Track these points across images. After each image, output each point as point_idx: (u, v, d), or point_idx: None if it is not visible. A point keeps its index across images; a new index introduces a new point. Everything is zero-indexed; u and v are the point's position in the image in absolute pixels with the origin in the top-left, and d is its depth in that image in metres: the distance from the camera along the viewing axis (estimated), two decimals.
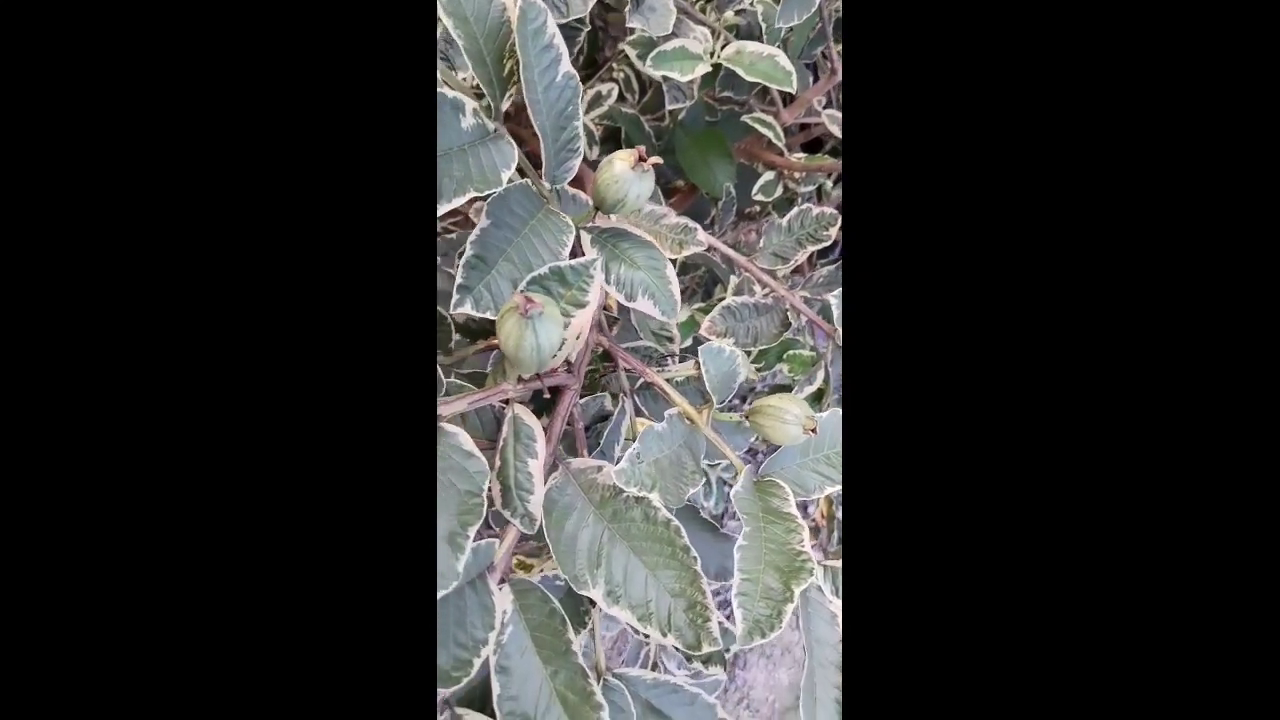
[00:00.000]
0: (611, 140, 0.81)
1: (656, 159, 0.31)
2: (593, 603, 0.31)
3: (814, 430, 0.32)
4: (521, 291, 0.24)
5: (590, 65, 0.83)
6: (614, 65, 0.79)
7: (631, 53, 0.62)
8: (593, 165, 0.75)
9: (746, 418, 0.35)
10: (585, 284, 0.29)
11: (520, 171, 0.31)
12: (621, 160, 0.32)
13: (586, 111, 0.72)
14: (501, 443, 0.30)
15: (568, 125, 0.32)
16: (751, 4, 0.62)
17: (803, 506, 0.33)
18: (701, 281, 0.86)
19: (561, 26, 0.50)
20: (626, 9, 0.51)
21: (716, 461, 0.41)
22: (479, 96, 0.28)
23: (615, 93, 0.72)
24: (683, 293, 0.87)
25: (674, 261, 0.79)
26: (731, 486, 0.33)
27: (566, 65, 0.30)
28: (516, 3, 0.27)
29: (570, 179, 0.33)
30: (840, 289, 0.50)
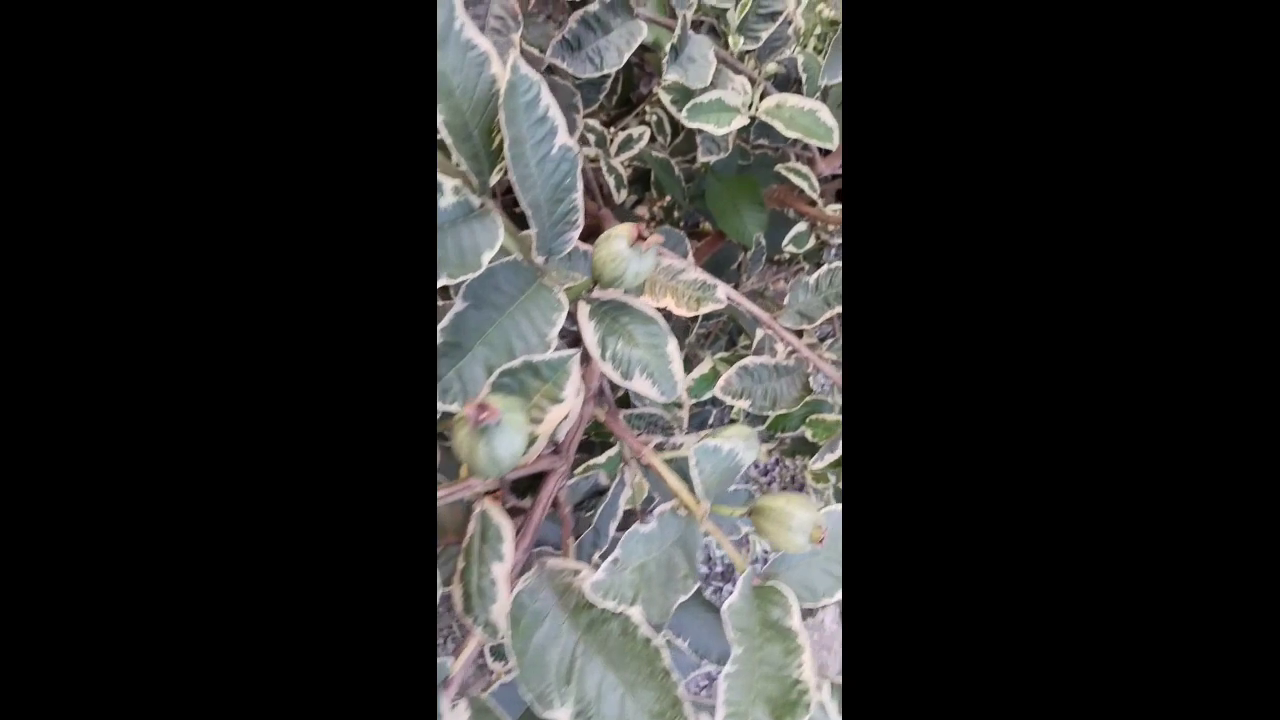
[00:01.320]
0: (640, 181, 0.79)
1: (658, 237, 0.29)
2: None
3: (821, 540, 0.29)
4: (475, 400, 0.22)
5: (624, 103, 0.81)
6: (645, 108, 0.77)
7: (665, 98, 0.60)
8: (618, 209, 0.73)
9: (748, 514, 0.32)
10: (561, 379, 0.27)
11: (518, 242, 0.29)
12: (619, 236, 0.29)
13: (616, 154, 0.70)
14: (466, 542, 0.28)
15: (565, 198, 0.30)
16: (793, 53, 0.59)
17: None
18: (725, 328, 0.83)
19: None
20: (665, 60, 0.49)
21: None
22: (460, 174, 0.27)
23: (646, 135, 0.70)
24: (705, 338, 0.85)
25: (695, 318, 0.76)
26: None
27: (564, 138, 0.28)
28: (505, 74, 0.25)
29: (568, 250, 0.31)
30: None
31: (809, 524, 0.29)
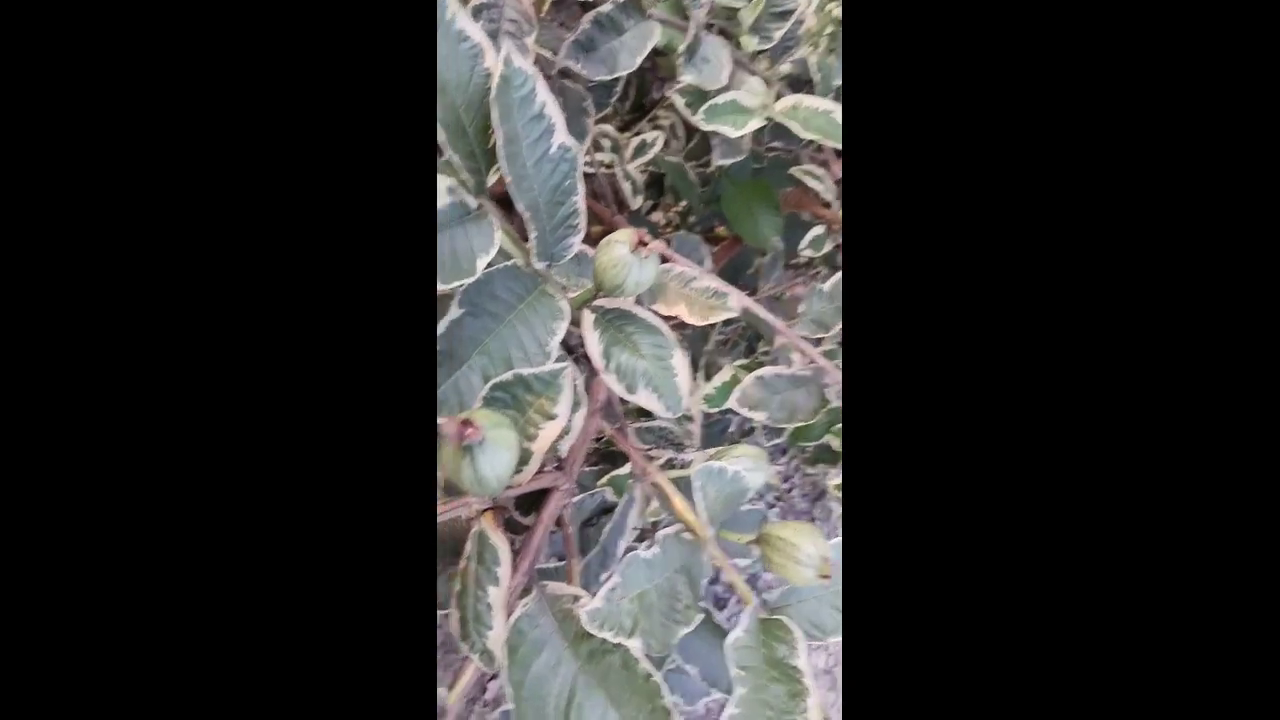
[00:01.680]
0: (654, 186, 0.78)
1: (660, 244, 0.27)
2: None
3: (827, 576, 0.27)
4: (458, 415, 0.20)
5: (637, 109, 0.80)
6: (659, 113, 0.76)
7: (679, 101, 0.59)
8: (633, 215, 0.72)
9: (756, 542, 0.30)
10: (554, 394, 0.25)
11: (518, 246, 0.28)
12: (620, 243, 0.28)
13: (631, 159, 0.69)
14: (463, 564, 0.26)
15: (565, 200, 0.28)
16: (805, 54, 0.58)
17: None
18: (744, 334, 0.81)
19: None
20: (679, 60, 0.48)
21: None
22: (455, 174, 0.25)
23: (661, 140, 0.69)
24: (724, 345, 0.83)
25: (713, 325, 0.74)
26: None
27: (562, 135, 0.26)
28: (499, 68, 0.24)
29: (570, 256, 0.30)
30: None
31: (816, 558, 0.27)
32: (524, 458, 0.25)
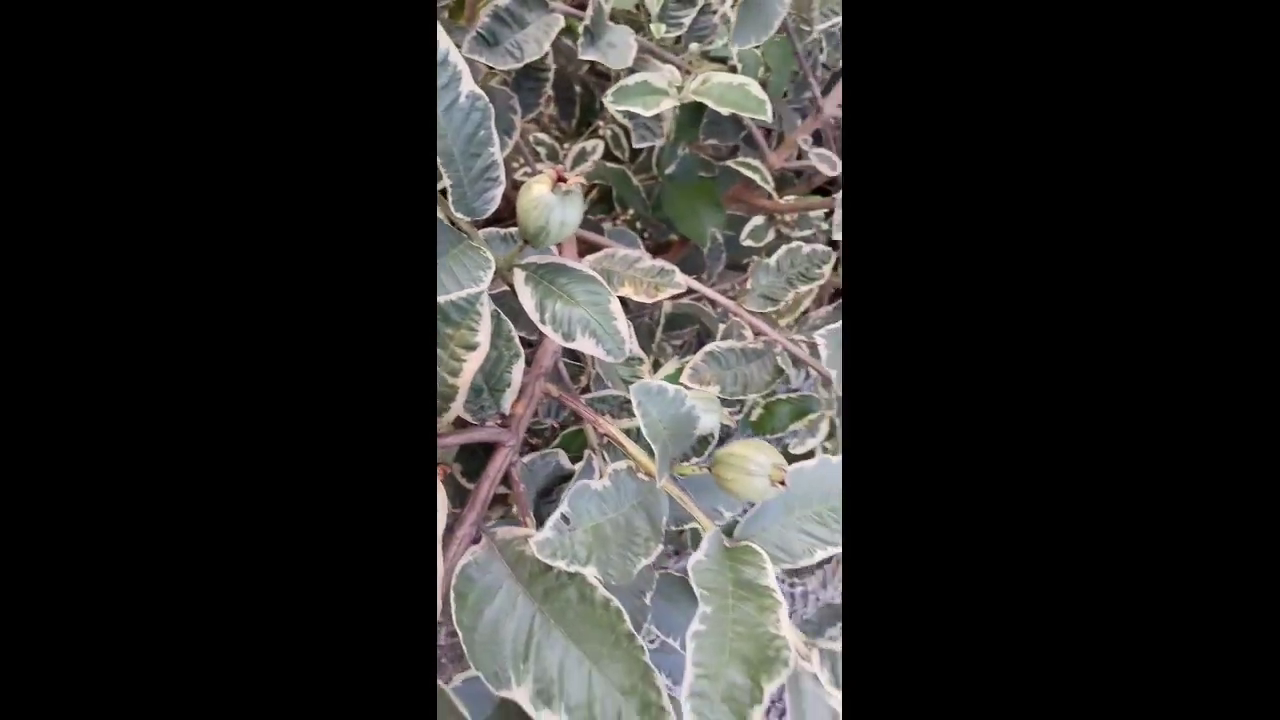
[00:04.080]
0: (604, 201, 0.79)
1: (580, 178, 0.28)
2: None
3: (783, 482, 0.26)
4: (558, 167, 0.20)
5: (584, 126, 0.82)
6: (600, 123, 0.78)
7: (614, 109, 0.61)
8: (585, 222, 0.73)
9: (709, 470, 0.29)
10: (473, 322, 0.25)
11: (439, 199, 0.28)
12: (539, 184, 0.28)
13: (571, 167, 0.70)
14: None
15: (482, 152, 0.29)
16: (712, 41, 0.60)
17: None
18: (694, 337, 0.82)
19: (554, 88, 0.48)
20: (580, 41, 0.50)
21: (684, 527, 0.35)
22: None
23: (600, 149, 0.71)
24: (678, 348, 0.83)
25: (658, 305, 0.75)
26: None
27: (469, 85, 0.27)
28: None
29: (491, 210, 0.30)
30: (833, 326, 0.45)
31: (768, 466, 0.27)
32: (448, 394, 0.25)
